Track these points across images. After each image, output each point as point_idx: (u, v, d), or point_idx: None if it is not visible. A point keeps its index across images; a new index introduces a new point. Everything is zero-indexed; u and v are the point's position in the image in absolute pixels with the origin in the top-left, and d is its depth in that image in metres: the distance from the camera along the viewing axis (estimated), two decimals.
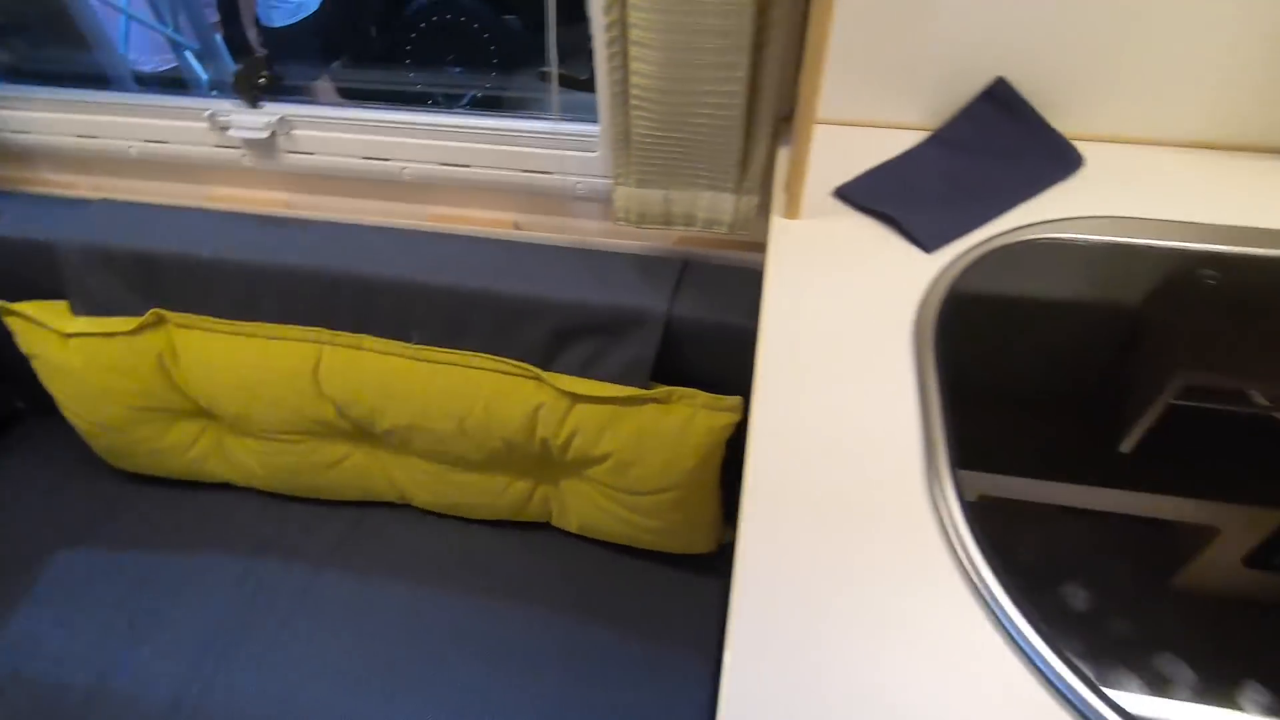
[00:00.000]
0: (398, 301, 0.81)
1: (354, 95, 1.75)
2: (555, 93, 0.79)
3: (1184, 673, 0.34)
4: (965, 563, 0.37)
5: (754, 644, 0.37)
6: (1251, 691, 0.33)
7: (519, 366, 0.81)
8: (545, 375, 0.80)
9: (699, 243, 0.84)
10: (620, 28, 0.57)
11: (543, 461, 0.86)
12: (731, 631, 0.37)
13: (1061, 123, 0.66)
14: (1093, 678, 0.32)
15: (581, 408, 0.78)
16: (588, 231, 0.89)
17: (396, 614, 0.87)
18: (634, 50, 0.57)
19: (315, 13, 1.75)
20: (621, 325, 0.76)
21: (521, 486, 0.90)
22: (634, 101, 0.60)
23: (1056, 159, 0.64)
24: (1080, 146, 0.65)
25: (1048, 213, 0.60)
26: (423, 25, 1.85)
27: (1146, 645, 0.36)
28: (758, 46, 0.57)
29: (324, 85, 1.73)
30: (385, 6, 1.90)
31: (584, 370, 0.80)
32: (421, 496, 0.96)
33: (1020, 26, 0.62)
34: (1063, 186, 0.63)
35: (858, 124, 0.70)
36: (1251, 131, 0.64)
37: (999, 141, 0.64)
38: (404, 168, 0.87)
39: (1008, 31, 0.62)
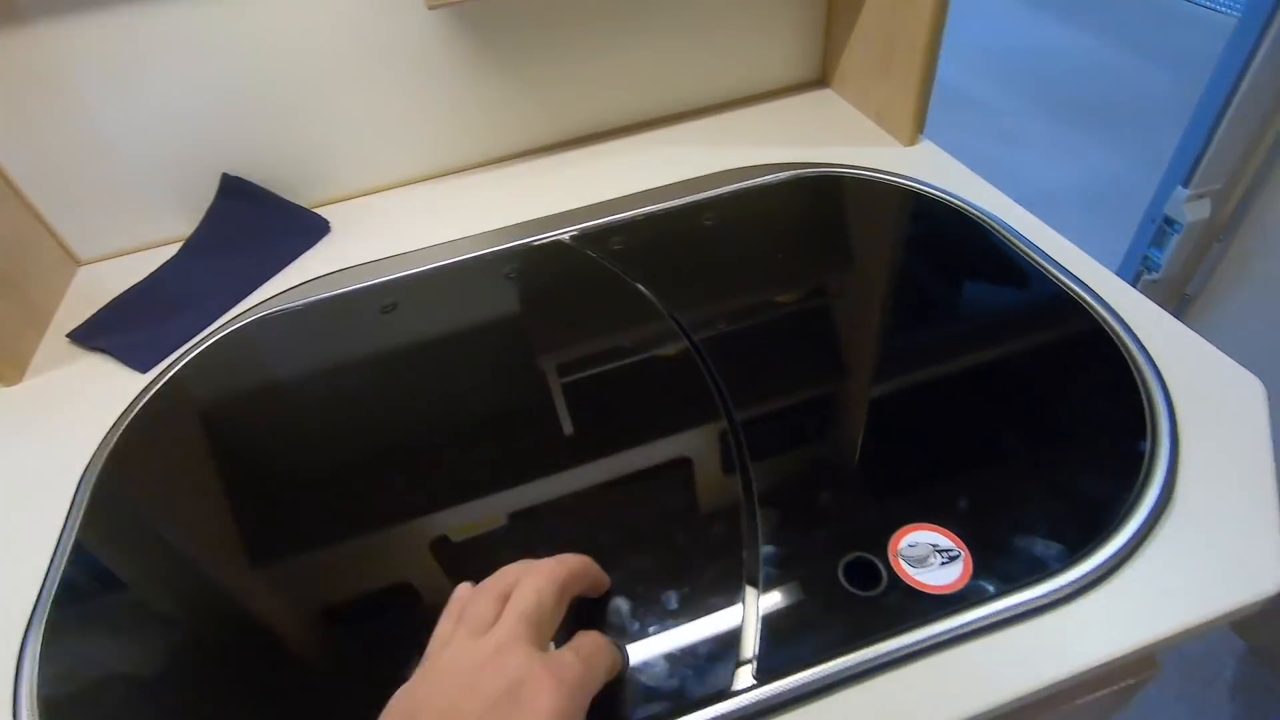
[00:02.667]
0: None
1: None
2: None
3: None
4: None
5: None
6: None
7: None
8: None
9: None
10: None
11: None
12: None
13: (308, 194, 0.68)
14: None
15: None
16: None
17: None
18: None
19: None
20: None
21: None
22: None
23: (301, 231, 0.65)
24: (330, 210, 0.68)
25: (290, 282, 0.61)
26: None
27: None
28: None
29: None
30: None
31: None
32: None
33: (224, 121, 0.62)
34: (311, 254, 0.64)
35: (127, 252, 0.67)
36: (471, 154, 0.70)
37: (241, 232, 0.64)
38: None
39: (218, 129, 0.63)
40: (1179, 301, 1.20)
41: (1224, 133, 0.97)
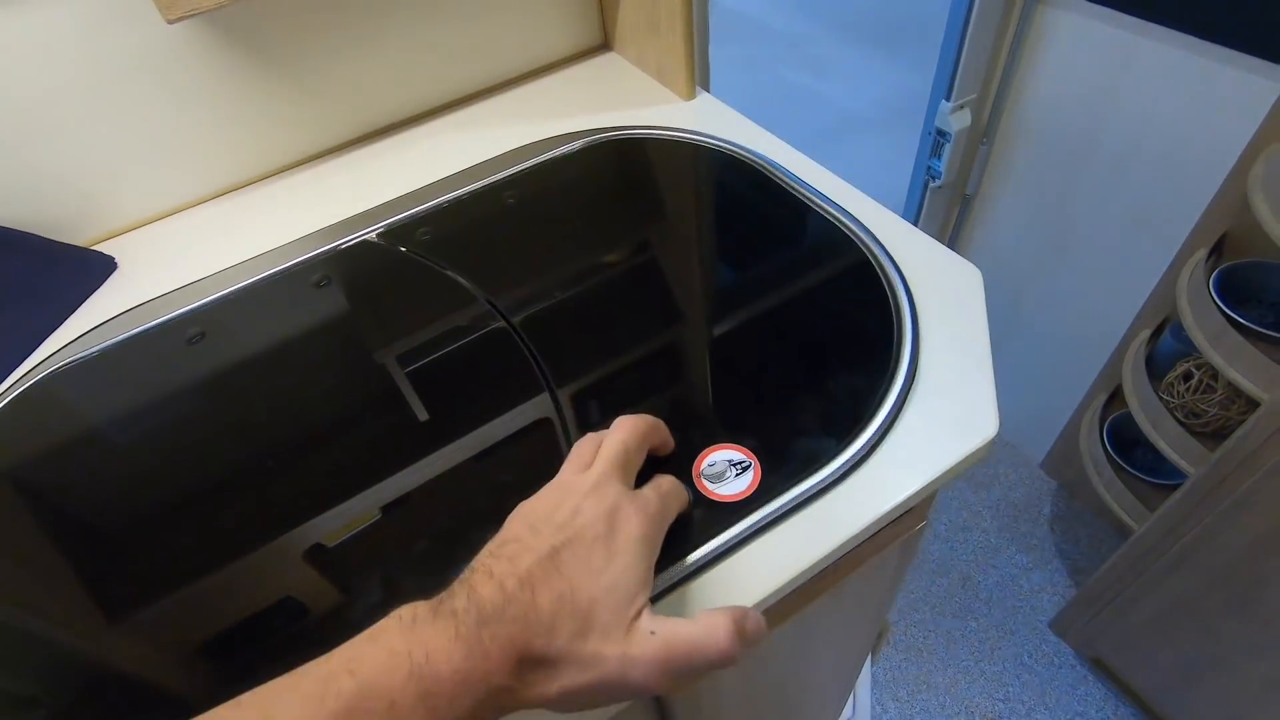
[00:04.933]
0: None
1: None
2: None
3: None
4: None
5: None
6: None
7: None
8: None
9: None
10: None
11: None
12: None
13: (84, 232, 0.64)
14: None
15: None
16: None
17: None
18: None
19: None
20: None
21: None
22: None
23: (81, 273, 0.60)
24: (114, 244, 0.64)
25: (79, 329, 0.57)
26: None
27: None
28: None
29: None
30: None
31: None
32: None
33: None
34: (100, 295, 0.60)
35: None
36: (259, 165, 0.68)
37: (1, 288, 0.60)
38: None
39: None
40: (961, 203, 1.35)
41: (969, 46, 1.09)
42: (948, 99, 1.17)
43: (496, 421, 0.45)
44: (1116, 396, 1.23)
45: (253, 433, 0.48)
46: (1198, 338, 0.91)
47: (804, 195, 0.57)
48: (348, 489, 0.43)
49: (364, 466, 0.44)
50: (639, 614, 0.29)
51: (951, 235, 1.41)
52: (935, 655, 1.32)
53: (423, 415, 0.47)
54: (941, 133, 1.22)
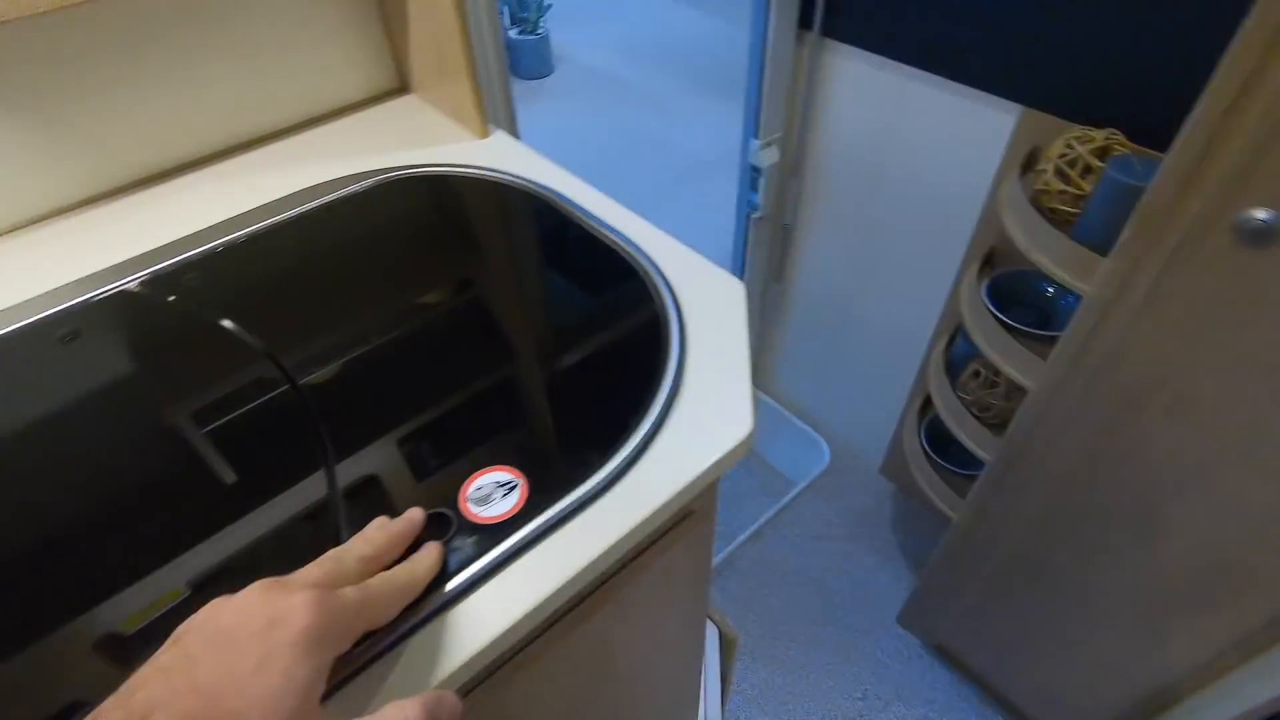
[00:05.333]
0: None
1: None
2: None
3: None
4: None
5: None
6: None
7: None
8: None
9: None
10: None
11: None
12: None
13: None
14: None
15: None
16: None
17: None
18: None
19: None
20: None
21: None
22: None
23: None
24: None
25: None
26: None
27: None
28: None
29: None
30: None
31: None
32: None
33: None
34: None
35: None
36: (15, 212, 0.63)
37: None
38: None
39: None
40: (783, 232, 1.45)
41: (767, 89, 1.19)
42: (756, 138, 1.26)
43: (263, 509, 0.42)
44: (930, 400, 1.35)
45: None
46: (978, 339, 1.02)
47: (587, 224, 0.60)
48: (116, 572, 0.39)
49: (124, 549, 0.40)
50: None
51: (778, 263, 1.51)
52: (798, 664, 1.37)
53: (186, 484, 0.43)
54: (755, 169, 1.31)
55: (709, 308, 0.52)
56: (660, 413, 0.44)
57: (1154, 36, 0.84)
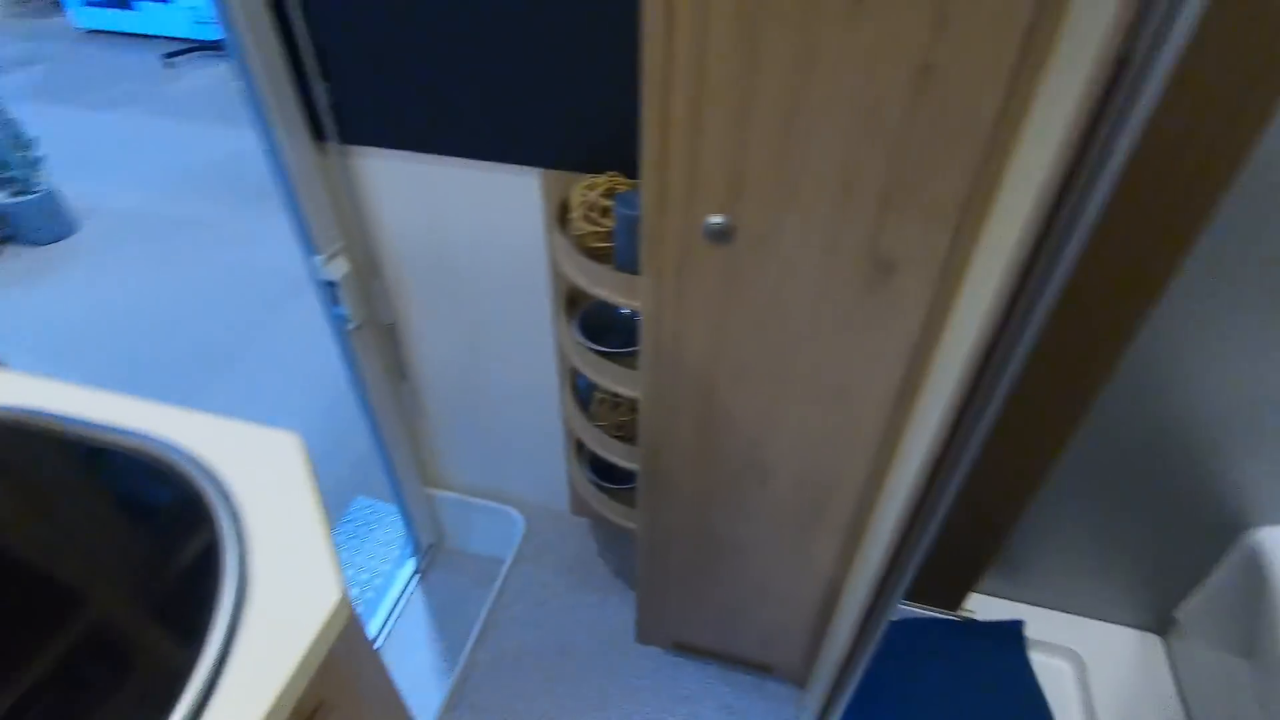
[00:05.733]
0: None
1: None
2: None
3: None
4: None
5: None
6: None
7: None
8: None
9: None
10: None
11: None
12: None
13: None
14: None
15: None
16: None
17: None
18: None
19: None
20: None
21: None
22: None
23: None
24: None
25: None
26: None
27: None
28: None
29: None
30: None
31: None
32: None
33: None
34: None
35: None
36: None
37: None
38: None
39: None
40: (389, 331, 1.42)
41: (306, 203, 1.15)
42: (317, 254, 1.21)
43: None
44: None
45: None
46: (586, 371, 1.12)
47: (97, 438, 0.50)
48: None
49: None
50: None
51: (396, 362, 1.47)
52: None
53: None
54: (330, 283, 1.25)
55: (265, 479, 0.47)
56: (228, 630, 0.39)
57: (611, 91, 1.01)
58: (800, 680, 1.39)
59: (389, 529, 1.82)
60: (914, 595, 1.42)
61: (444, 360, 1.45)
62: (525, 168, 1.12)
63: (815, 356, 0.87)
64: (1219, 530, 1.20)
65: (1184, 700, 1.30)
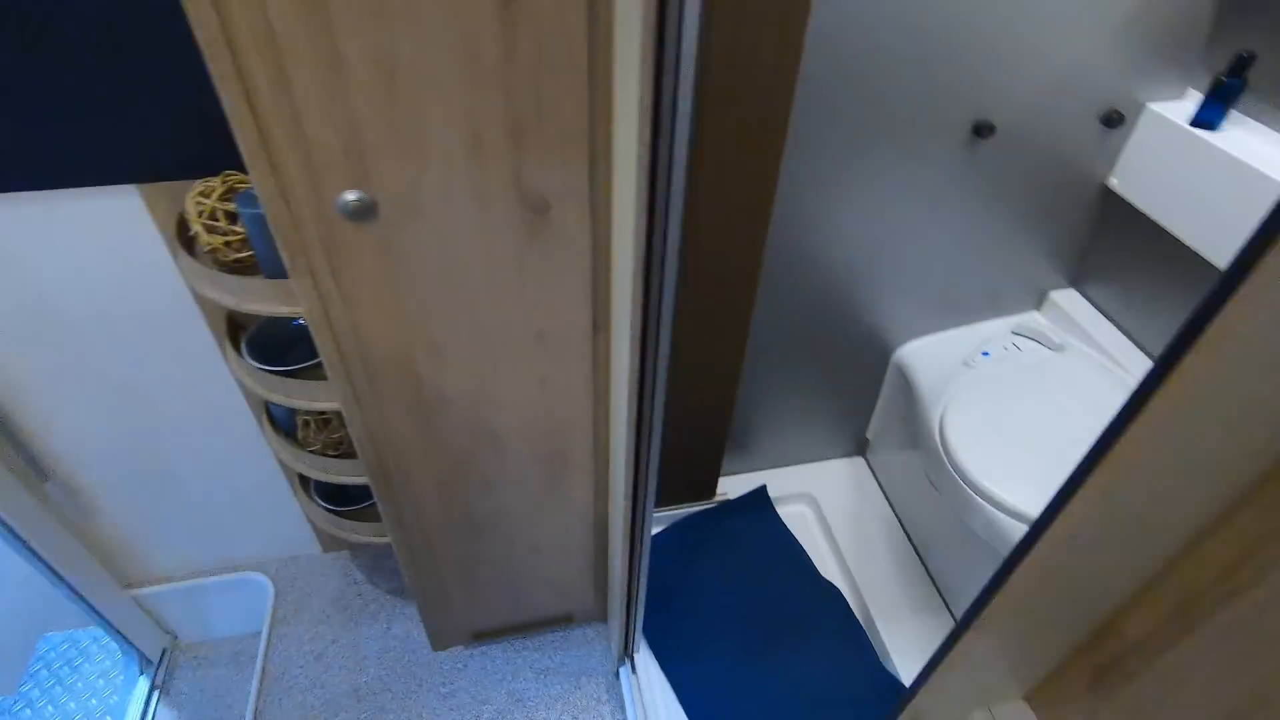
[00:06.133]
0: None
1: None
2: None
3: None
4: None
5: None
6: None
7: None
8: None
9: None
10: None
11: None
12: None
13: None
14: None
15: None
16: None
17: None
18: None
19: None
20: None
21: None
22: None
23: None
24: None
25: None
26: None
27: None
28: None
29: None
30: None
31: None
32: None
33: None
34: None
35: None
36: None
37: None
38: None
39: None
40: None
41: None
42: None
43: None
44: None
45: None
46: (274, 397, 1.00)
47: None
48: None
49: None
50: None
51: (26, 461, 1.17)
52: None
53: None
54: None
55: None
56: None
57: (189, 78, 0.87)
58: (602, 616, 1.44)
59: (101, 655, 1.50)
60: (673, 499, 1.54)
61: (98, 439, 1.19)
62: (120, 187, 0.93)
63: (503, 311, 0.87)
64: (878, 355, 1.47)
65: (888, 498, 1.60)
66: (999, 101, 1.10)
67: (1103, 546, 0.53)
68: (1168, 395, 0.42)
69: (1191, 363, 0.41)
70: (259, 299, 0.88)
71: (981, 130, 1.12)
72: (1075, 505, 0.49)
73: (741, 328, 1.22)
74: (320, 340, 0.84)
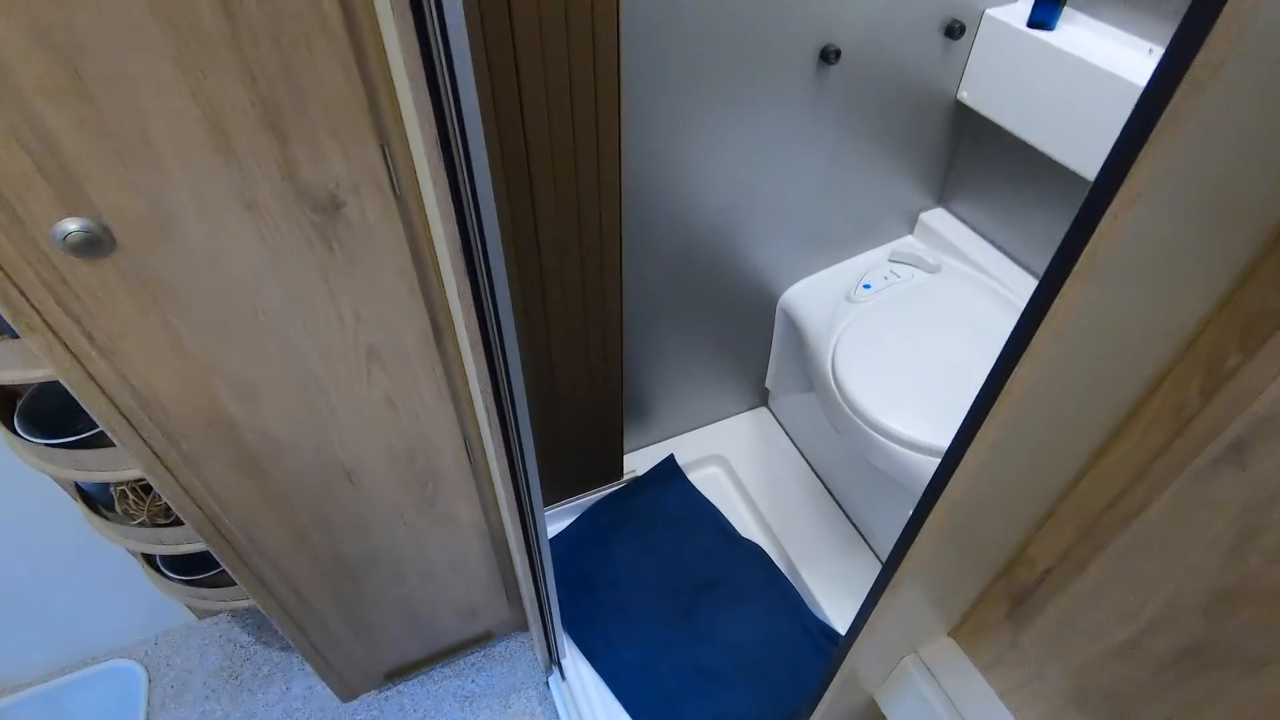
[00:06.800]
0: None
1: None
2: None
3: None
4: None
5: None
6: None
7: None
8: None
9: None
10: None
11: None
12: None
13: None
14: None
15: None
16: None
17: None
18: None
19: None
20: None
21: None
22: None
23: None
24: None
25: None
26: None
27: None
28: None
29: None
30: None
31: None
32: None
33: None
34: None
35: None
36: None
37: None
38: None
39: None
40: None
41: None
42: None
43: None
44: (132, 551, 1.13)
45: None
46: (70, 473, 0.83)
47: None
48: None
49: None
50: None
51: None
52: None
53: None
54: None
55: None
56: None
57: None
58: (523, 625, 1.35)
59: None
60: (583, 486, 1.46)
61: None
62: None
63: (317, 332, 0.74)
64: (764, 303, 1.41)
65: (796, 445, 1.57)
66: (840, 23, 1.03)
67: (1006, 480, 0.48)
68: (1051, 325, 0.37)
69: (1070, 290, 0.35)
70: (3, 366, 0.71)
71: (828, 55, 1.06)
72: (975, 447, 0.45)
73: (614, 297, 1.13)
74: (88, 403, 0.68)
